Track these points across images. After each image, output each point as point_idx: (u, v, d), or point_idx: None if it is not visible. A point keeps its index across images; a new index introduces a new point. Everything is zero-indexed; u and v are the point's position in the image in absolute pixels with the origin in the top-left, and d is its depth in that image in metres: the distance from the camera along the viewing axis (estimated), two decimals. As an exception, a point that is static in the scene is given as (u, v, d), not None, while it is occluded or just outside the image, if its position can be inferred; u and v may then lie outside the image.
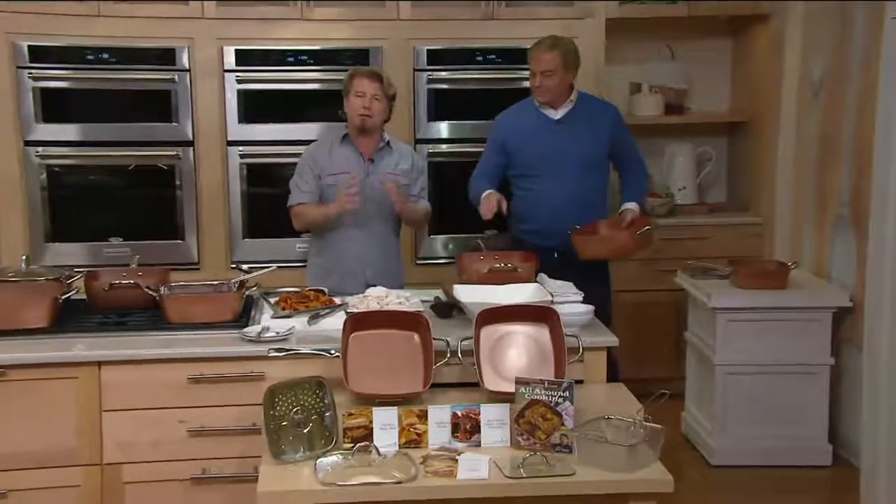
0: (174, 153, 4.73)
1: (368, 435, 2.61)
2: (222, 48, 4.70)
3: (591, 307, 3.33)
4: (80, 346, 3.05)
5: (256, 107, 4.77)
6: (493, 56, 4.85)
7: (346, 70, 4.71)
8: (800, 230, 4.86)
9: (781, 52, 4.96)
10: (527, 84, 4.79)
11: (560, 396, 2.59)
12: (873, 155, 3.83)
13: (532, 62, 4.12)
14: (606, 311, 3.99)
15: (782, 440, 4.28)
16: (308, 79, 4.78)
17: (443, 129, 4.89)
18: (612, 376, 3.31)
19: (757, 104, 5.29)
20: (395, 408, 2.66)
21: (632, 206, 4.20)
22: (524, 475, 2.47)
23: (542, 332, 2.99)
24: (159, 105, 4.71)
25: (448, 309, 3.39)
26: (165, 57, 4.66)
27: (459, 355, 2.95)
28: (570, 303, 3.28)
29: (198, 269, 4.78)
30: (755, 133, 5.32)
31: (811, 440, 4.30)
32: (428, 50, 4.80)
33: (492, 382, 2.88)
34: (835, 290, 4.37)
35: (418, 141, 4.84)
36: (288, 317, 3.30)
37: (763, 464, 4.27)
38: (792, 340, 4.25)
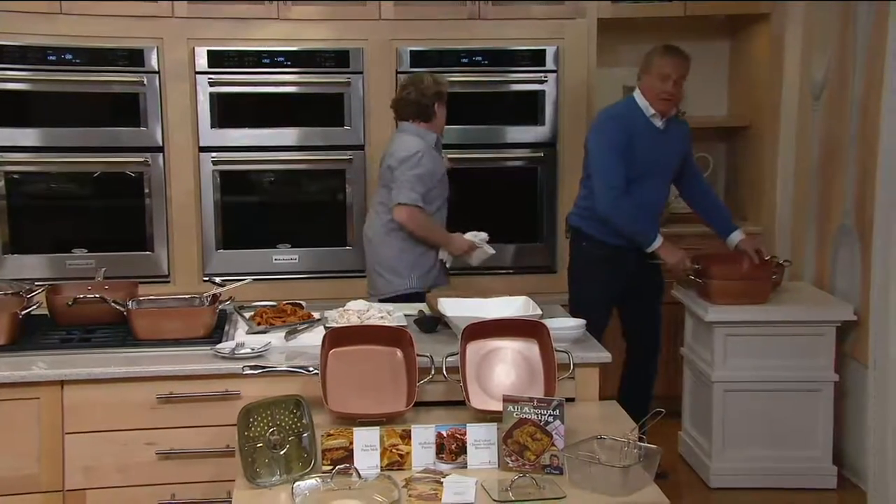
0: (143, 160, 4.72)
1: (349, 457, 2.61)
2: (194, 49, 4.69)
3: (582, 321, 3.34)
4: (42, 365, 3.03)
5: (230, 111, 4.76)
6: (480, 57, 4.87)
7: (325, 72, 4.76)
8: (801, 240, 4.88)
9: (781, 53, 5.00)
10: (516, 87, 4.81)
11: (550, 415, 2.60)
12: (878, 161, 3.87)
13: (669, 68, 4.18)
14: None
15: (784, 461, 4.29)
16: (285, 81, 4.78)
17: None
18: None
19: (756, 108, 5.32)
20: (377, 428, 2.66)
21: (739, 235, 4.45)
22: (513, 498, 2.47)
23: (532, 348, 3.00)
24: (127, 109, 4.69)
25: (432, 323, 3.40)
26: (133, 58, 4.65)
27: (444, 372, 2.95)
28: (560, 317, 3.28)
29: (168, 282, 4.77)
30: (754, 138, 5.35)
31: (815, 461, 4.31)
32: (411, 51, 4.82)
33: (478, 400, 2.88)
34: (838, 303, 4.39)
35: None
36: (264, 332, 3.30)
37: (764, 486, 4.27)
38: (794, 356, 4.26)
